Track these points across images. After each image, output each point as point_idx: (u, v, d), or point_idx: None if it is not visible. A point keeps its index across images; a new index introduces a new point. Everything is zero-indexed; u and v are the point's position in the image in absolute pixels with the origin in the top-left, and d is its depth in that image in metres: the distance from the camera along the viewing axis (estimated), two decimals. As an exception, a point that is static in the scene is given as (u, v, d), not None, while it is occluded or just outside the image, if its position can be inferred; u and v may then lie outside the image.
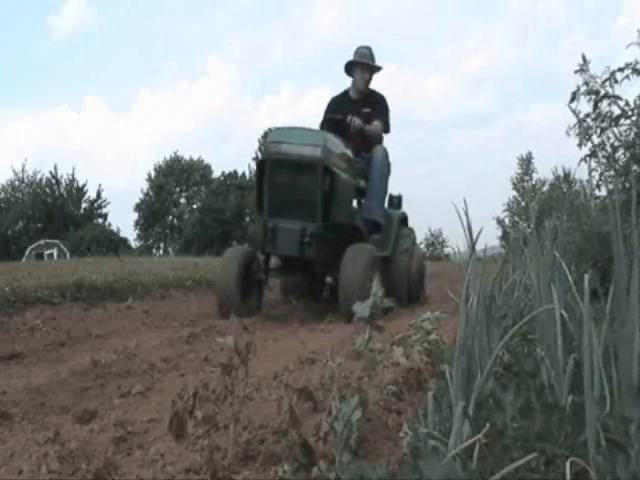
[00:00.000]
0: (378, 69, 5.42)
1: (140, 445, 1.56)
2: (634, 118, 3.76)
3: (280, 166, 4.32)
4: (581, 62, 3.93)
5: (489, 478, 1.01)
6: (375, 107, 5.31)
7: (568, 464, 0.97)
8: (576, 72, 3.96)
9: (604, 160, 3.90)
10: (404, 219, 5.61)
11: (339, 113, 5.20)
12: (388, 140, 5.50)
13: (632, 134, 3.79)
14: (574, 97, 3.98)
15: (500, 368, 1.71)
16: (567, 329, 1.52)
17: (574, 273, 1.82)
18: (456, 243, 2.03)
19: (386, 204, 5.49)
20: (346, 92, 5.51)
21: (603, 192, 4.09)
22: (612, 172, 3.87)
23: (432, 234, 35.95)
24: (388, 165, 5.25)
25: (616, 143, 3.84)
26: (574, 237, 3.16)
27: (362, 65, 5.32)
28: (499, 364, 1.72)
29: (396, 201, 5.66)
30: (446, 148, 61.87)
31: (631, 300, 1.29)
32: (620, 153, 3.86)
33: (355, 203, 5.36)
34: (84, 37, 63.61)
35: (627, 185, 3.52)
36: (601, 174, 3.97)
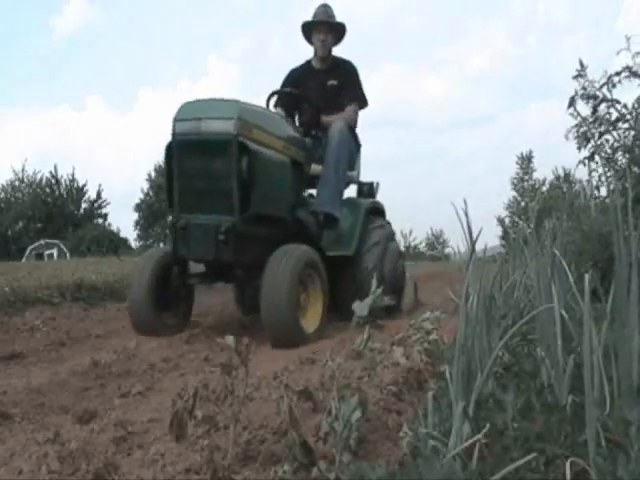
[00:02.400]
0: (340, 26, 4.54)
1: (140, 445, 1.56)
2: (632, 122, 3.76)
3: (187, 148, 3.38)
4: (578, 67, 3.94)
5: (489, 478, 1.01)
6: (344, 79, 4.47)
7: (568, 464, 0.97)
8: (574, 78, 3.97)
9: (604, 162, 3.91)
10: (376, 210, 4.64)
11: (299, 87, 4.41)
12: (367, 122, 4.79)
13: (630, 137, 3.80)
14: (572, 103, 3.99)
15: (500, 368, 1.71)
16: (567, 329, 1.52)
17: (574, 273, 1.82)
18: (456, 243, 2.03)
19: (351, 193, 4.69)
20: (308, 62, 4.67)
21: (603, 192, 4.09)
22: (612, 172, 3.87)
23: (433, 234, 35.97)
24: (349, 145, 4.33)
25: (615, 144, 3.85)
26: (574, 237, 3.15)
27: (320, 25, 4.47)
28: (499, 364, 1.72)
29: (367, 189, 4.78)
30: (446, 148, 61.91)
31: (631, 300, 1.30)
32: (619, 154, 3.86)
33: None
34: (85, 37, 63.71)
35: (627, 185, 3.53)
36: (600, 176, 3.98)
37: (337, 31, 4.54)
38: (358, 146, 4.67)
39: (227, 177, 3.31)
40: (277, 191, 3.67)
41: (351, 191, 4.79)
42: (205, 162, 3.38)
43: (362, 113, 4.64)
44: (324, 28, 4.46)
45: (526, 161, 37.03)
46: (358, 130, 4.63)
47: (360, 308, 3.62)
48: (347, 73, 4.51)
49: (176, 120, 3.40)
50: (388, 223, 4.66)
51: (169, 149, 3.46)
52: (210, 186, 3.37)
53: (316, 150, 4.28)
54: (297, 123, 4.52)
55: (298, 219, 3.88)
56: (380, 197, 4.92)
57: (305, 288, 3.40)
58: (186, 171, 3.40)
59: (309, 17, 4.55)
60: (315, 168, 4.25)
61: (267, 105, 4.27)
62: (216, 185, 3.36)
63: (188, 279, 3.63)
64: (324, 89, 4.42)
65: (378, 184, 4.90)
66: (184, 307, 3.78)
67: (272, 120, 3.83)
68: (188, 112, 3.41)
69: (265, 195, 3.47)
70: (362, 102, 4.54)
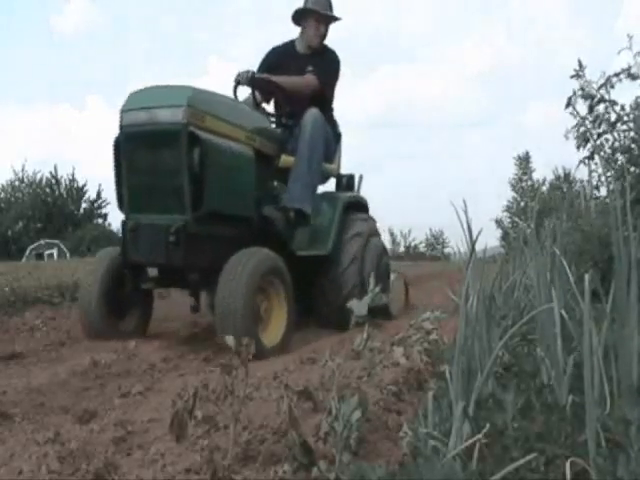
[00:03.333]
0: (336, 20, 4.26)
1: (140, 445, 1.56)
2: (630, 124, 3.77)
3: (135, 141, 3.08)
4: (577, 67, 3.94)
5: (489, 478, 1.01)
6: (322, 64, 4.10)
7: (568, 464, 0.97)
8: (572, 77, 3.97)
9: (603, 162, 3.91)
10: (357, 204, 4.26)
11: (280, 69, 4.04)
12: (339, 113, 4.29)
13: (629, 137, 3.80)
14: (569, 102, 3.99)
15: (500, 368, 1.71)
16: (567, 329, 1.52)
17: (574, 273, 1.82)
18: (456, 243, 2.03)
19: (327, 187, 4.30)
20: (292, 43, 4.30)
21: (603, 192, 4.10)
22: (612, 172, 3.88)
23: (433, 234, 35.96)
24: (324, 134, 3.91)
25: (615, 144, 3.85)
26: (574, 237, 3.16)
27: (318, 15, 4.14)
28: (499, 364, 1.72)
29: (346, 181, 4.38)
30: (446, 148, 61.90)
31: (631, 300, 1.30)
32: (618, 154, 3.87)
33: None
34: (86, 36, 63.71)
35: (625, 185, 3.53)
36: (599, 176, 3.98)
37: (330, 22, 4.27)
38: (337, 136, 4.30)
39: (177, 172, 2.98)
40: (237, 186, 3.28)
41: (331, 186, 4.47)
42: (154, 156, 3.07)
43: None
44: (322, 19, 4.17)
45: (524, 162, 36.99)
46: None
47: (359, 307, 3.61)
48: (327, 59, 4.17)
49: (123, 111, 3.10)
50: (371, 219, 4.30)
51: (116, 144, 3.16)
52: (160, 182, 3.06)
53: (289, 141, 3.92)
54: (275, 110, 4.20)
55: (264, 217, 3.51)
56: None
57: (267, 297, 3.05)
58: (134, 167, 3.10)
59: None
60: (288, 160, 3.87)
61: (234, 93, 3.85)
62: (166, 181, 3.04)
63: (142, 283, 3.27)
64: (303, 73, 4.03)
65: (361, 177, 4.57)
66: (140, 312, 3.46)
67: (231, 107, 3.43)
68: (135, 102, 3.09)
69: (221, 191, 3.11)
70: (324, 83, 4.05)
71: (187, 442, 1.48)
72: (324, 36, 4.23)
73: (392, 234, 18.36)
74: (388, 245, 18.41)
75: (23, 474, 1.38)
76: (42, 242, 32.98)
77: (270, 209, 3.59)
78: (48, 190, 37.56)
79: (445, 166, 62.92)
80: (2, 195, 37.94)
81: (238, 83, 3.82)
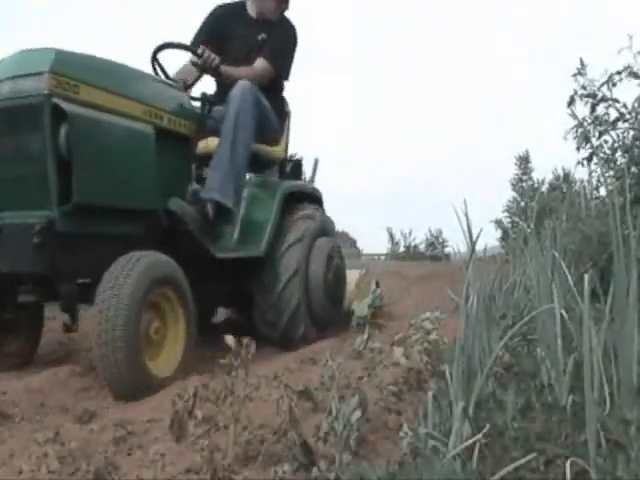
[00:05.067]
0: None
1: (140, 445, 1.57)
2: (632, 121, 3.77)
3: None
4: (579, 66, 3.95)
5: (489, 478, 1.01)
6: (276, 37, 3.44)
7: (568, 464, 0.98)
8: (573, 76, 3.97)
9: (602, 162, 3.92)
10: (305, 196, 3.54)
11: (228, 33, 3.46)
12: (291, 91, 3.69)
13: (630, 137, 3.80)
14: (572, 101, 3.99)
15: (500, 368, 1.71)
16: (567, 329, 1.52)
17: (574, 273, 1.82)
18: (456, 243, 2.03)
19: (267, 173, 3.61)
20: (242, 5, 3.59)
21: (603, 193, 4.10)
22: (611, 172, 3.88)
23: (433, 234, 35.89)
24: (256, 110, 3.14)
25: (615, 144, 3.86)
26: (574, 237, 3.16)
27: None
28: (499, 364, 1.72)
29: (291, 167, 3.74)
30: (445, 148, 62.03)
31: (630, 300, 1.30)
32: (619, 155, 3.87)
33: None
34: (86, 36, 63.64)
35: (625, 186, 3.54)
36: (599, 177, 3.99)
37: None
38: (283, 114, 3.62)
39: (40, 156, 2.32)
40: (127, 173, 2.57)
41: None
42: (14, 138, 2.39)
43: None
44: None
45: (524, 162, 36.96)
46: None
47: (360, 308, 3.61)
48: (283, 33, 3.47)
49: None
50: (320, 213, 3.56)
51: None
52: (22, 171, 2.39)
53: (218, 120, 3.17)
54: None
55: (171, 212, 2.76)
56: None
57: (159, 314, 2.37)
58: None
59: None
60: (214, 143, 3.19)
61: (153, 63, 3.09)
62: (29, 169, 2.37)
63: (19, 296, 2.57)
64: (253, 42, 3.42)
65: (317, 161, 3.96)
66: (27, 331, 2.89)
67: (121, 76, 2.66)
68: (1, 71, 2.42)
69: (100, 179, 2.43)
70: (282, 70, 3.44)
71: (187, 442, 1.48)
72: (284, 10, 3.57)
73: (390, 234, 18.28)
74: (387, 245, 18.33)
75: (23, 474, 1.38)
76: None
77: (178, 202, 2.80)
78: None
79: (445, 166, 62.99)
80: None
81: (197, 66, 3.12)
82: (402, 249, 18.10)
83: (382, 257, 18.30)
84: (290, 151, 3.90)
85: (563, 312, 1.51)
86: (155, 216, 2.71)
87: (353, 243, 19.45)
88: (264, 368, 2.39)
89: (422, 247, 18.87)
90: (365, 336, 2.62)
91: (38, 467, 1.39)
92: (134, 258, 2.28)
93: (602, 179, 3.96)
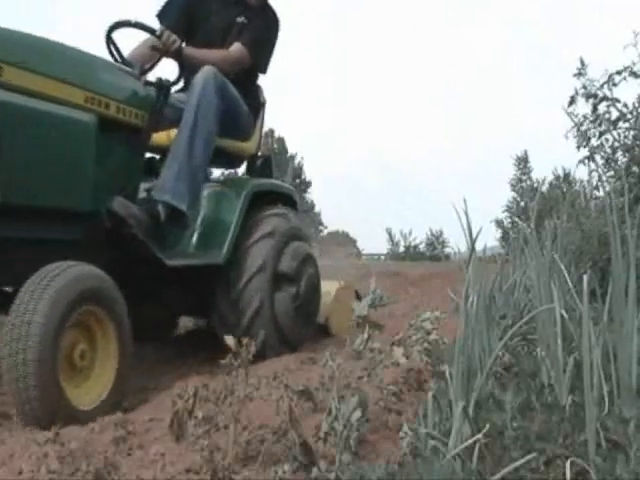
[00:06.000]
0: None
1: (140, 445, 1.56)
2: (632, 121, 3.77)
3: None
4: (579, 66, 3.94)
5: (489, 478, 1.01)
6: (255, 23, 3.05)
7: (568, 464, 0.98)
8: (574, 75, 3.97)
9: (603, 161, 3.91)
10: (274, 195, 3.14)
11: (202, 12, 3.09)
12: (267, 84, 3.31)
13: (630, 136, 3.80)
14: (572, 101, 3.99)
15: (500, 368, 1.71)
16: (567, 329, 1.53)
17: (574, 273, 1.83)
18: (456, 243, 2.03)
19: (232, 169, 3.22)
20: None
21: (603, 193, 4.09)
22: (612, 172, 3.88)
23: (433, 234, 35.89)
24: (217, 102, 2.72)
25: (616, 144, 3.85)
26: (574, 237, 3.16)
27: None
28: (499, 364, 1.72)
29: (260, 164, 3.30)
30: (445, 147, 62.05)
31: (629, 300, 1.30)
32: (619, 154, 3.87)
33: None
34: (87, 35, 63.70)
35: (627, 185, 3.53)
36: (599, 177, 3.98)
37: None
38: (259, 105, 3.28)
39: None
40: (60, 169, 2.25)
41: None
42: None
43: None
44: None
45: (523, 162, 36.94)
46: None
47: (360, 308, 3.59)
48: (266, 20, 3.11)
49: None
50: (293, 215, 3.15)
51: None
52: None
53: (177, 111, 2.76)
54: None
55: (114, 214, 2.38)
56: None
57: (85, 335, 2.02)
58: None
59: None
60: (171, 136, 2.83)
61: (108, 43, 2.64)
62: None
63: None
64: (230, 24, 3.04)
65: (293, 159, 3.44)
66: None
67: (58, 57, 2.30)
68: None
69: (28, 175, 2.13)
70: (257, 58, 3.03)
71: (187, 442, 1.48)
72: None
73: (390, 234, 18.28)
74: (387, 245, 18.32)
75: (23, 474, 1.38)
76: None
77: (122, 202, 2.41)
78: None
79: (445, 165, 62.99)
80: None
81: (156, 49, 2.66)
82: (402, 249, 18.09)
83: (382, 257, 18.32)
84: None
85: (563, 312, 1.51)
86: (95, 218, 2.37)
87: (353, 243, 19.44)
88: (264, 368, 2.39)
89: (422, 247, 18.87)
90: (365, 336, 2.62)
91: (38, 467, 1.39)
92: (55, 270, 1.94)
93: (602, 179, 3.95)
